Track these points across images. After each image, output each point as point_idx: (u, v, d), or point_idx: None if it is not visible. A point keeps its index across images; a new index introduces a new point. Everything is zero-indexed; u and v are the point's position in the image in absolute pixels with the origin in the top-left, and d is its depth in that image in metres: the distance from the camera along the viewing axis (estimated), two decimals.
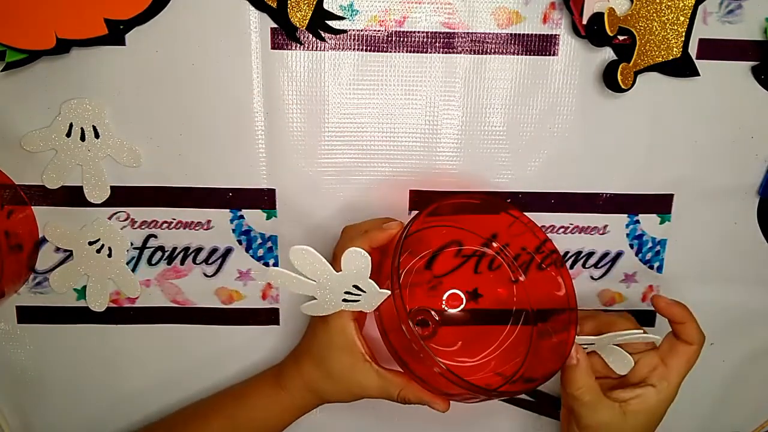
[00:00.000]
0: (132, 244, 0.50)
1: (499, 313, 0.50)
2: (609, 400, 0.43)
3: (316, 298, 0.40)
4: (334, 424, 0.55)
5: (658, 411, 0.45)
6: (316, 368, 0.44)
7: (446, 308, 0.48)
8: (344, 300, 0.40)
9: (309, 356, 0.45)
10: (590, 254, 0.51)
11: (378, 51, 0.46)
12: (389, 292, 0.39)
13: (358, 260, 0.37)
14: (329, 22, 0.45)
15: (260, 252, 0.50)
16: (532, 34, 0.46)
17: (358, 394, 0.44)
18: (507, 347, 0.49)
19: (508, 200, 0.49)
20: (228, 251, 0.50)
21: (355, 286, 0.39)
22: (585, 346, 0.43)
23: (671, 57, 0.45)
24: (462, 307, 0.49)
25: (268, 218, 0.49)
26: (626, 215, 0.51)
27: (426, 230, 0.48)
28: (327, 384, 0.44)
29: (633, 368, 0.45)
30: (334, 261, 0.43)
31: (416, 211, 0.49)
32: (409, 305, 0.47)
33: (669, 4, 0.44)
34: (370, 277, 0.38)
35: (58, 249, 0.49)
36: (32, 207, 0.48)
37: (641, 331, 0.43)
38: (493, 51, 0.46)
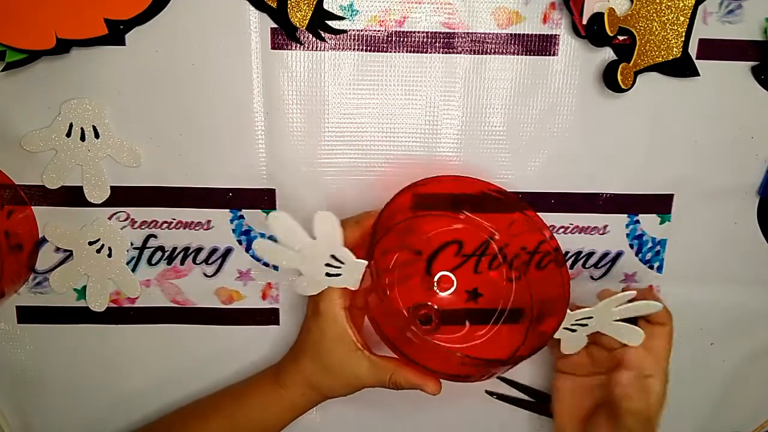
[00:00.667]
0: (132, 244, 0.50)
1: (494, 312, 0.50)
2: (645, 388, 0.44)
3: (302, 273, 0.41)
4: (331, 424, 0.55)
5: (663, 399, 0.45)
6: (313, 363, 0.45)
7: (437, 291, 0.48)
8: (327, 274, 0.40)
9: (305, 352, 0.45)
10: (590, 254, 0.51)
11: (378, 51, 0.46)
12: (366, 263, 0.40)
13: (326, 223, 0.38)
14: (329, 22, 0.45)
15: None
16: (532, 34, 0.46)
17: (355, 384, 0.44)
18: (502, 340, 0.48)
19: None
20: (228, 251, 0.50)
21: (334, 257, 0.40)
22: (585, 323, 0.43)
23: (671, 57, 0.45)
24: (453, 289, 0.48)
25: None
26: (626, 215, 0.51)
27: (418, 220, 0.47)
28: (324, 377, 0.44)
29: (624, 361, 0.45)
30: None
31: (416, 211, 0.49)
32: (406, 300, 0.47)
33: (669, 4, 0.44)
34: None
35: (58, 249, 0.49)
36: (32, 207, 0.48)
37: (633, 293, 0.42)
38: (493, 51, 0.46)
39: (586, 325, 0.44)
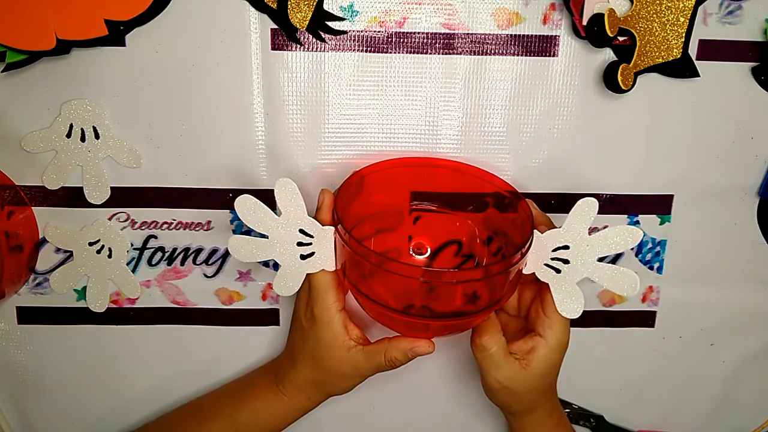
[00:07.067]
0: (132, 244, 0.50)
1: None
2: (512, 359, 0.43)
3: (279, 265, 0.42)
4: (333, 420, 0.55)
5: (553, 361, 0.44)
6: (313, 369, 0.45)
7: (413, 253, 0.49)
8: (301, 257, 0.41)
9: (303, 359, 0.46)
10: None
11: (378, 52, 0.46)
12: (333, 228, 0.41)
13: (286, 190, 0.40)
14: (329, 23, 0.45)
15: None
16: (532, 35, 0.46)
17: (356, 377, 0.45)
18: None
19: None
20: (228, 252, 0.50)
21: (303, 233, 0.41)
22: (565, 257, 0.41)
23: (671, 58, 0.45)
24: (428, 255, 0.49)
25: None
26: (626, 216, 0.51)
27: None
28: (327, 379, 0.45)
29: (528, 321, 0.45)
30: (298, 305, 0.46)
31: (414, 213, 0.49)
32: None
33: (669, 5, 0.44)
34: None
35: (58, 249, 0.49)
36: (32, 208, 0.48)
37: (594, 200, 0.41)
38: (493, 52, 0.46)
39: (567, 261, 0.42)
